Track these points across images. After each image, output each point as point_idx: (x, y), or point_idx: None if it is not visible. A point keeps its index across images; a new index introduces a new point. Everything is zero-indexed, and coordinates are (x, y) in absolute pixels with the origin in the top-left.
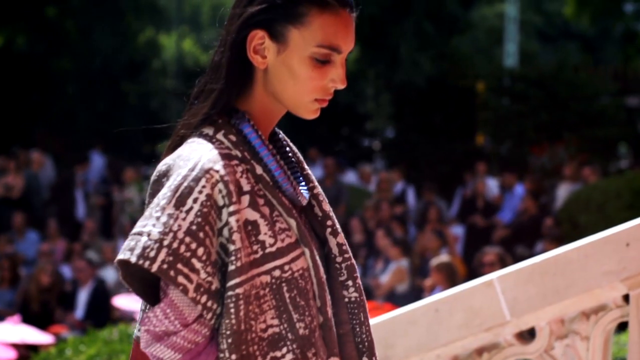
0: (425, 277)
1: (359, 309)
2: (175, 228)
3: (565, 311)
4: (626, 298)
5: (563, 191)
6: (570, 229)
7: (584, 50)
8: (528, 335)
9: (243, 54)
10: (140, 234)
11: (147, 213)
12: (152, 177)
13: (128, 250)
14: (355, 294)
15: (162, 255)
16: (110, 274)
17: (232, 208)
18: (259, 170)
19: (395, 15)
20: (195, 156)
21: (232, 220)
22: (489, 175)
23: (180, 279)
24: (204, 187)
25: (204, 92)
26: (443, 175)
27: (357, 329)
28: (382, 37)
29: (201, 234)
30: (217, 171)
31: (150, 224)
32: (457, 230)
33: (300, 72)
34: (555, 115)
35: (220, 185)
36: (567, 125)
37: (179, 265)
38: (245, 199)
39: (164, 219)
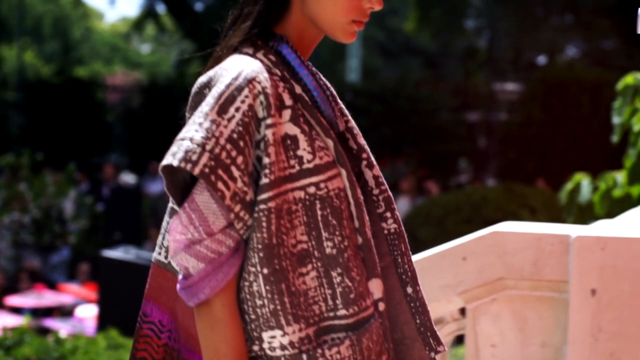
0: None
1: (400, 239)
2: (217, 134)
3: None
4: (463, 311)
5: (401, 205)
6: (411, 242)
7: (426, 65)
8: None
9: None
10: (183, 139)
11: (190, 120)
12: (193, 90)
13: (170, 155)
14: (394, 225)
15: (205, 159)
16: None
17: (269, 121)
18: (298, 90)
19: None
20: (238, 67)
21: (269, 133)
22: None
23: (220, 184)
24: (246, 96)
25: (242, 16)
26: None
27: (399, 260)
28: None
29: (241, 143)
30: (260, 82)
31: (192, 130)
32: None
33: None
34: (397, 130)
35: (262, 97)
36: (408, 139)
37: (220, 171)
38: (287, 113)
39: (206, 124)
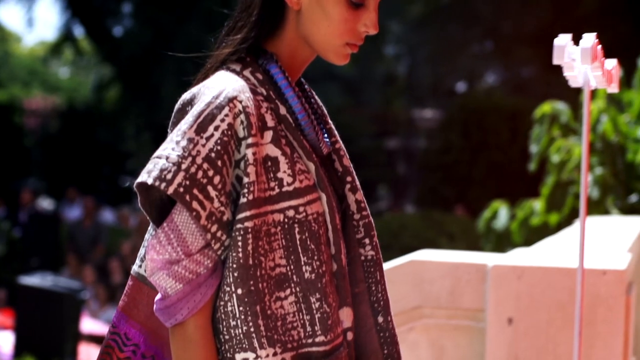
0: None
1: (375, 267)
2: (194, 153)
3: None
4: None
5: None
6: None
7: (345, 92)
8: None
9: None
10: (159, 157)
11: (168, 138)
12: (176, 106)
13: (146, 172)
14: (371, 252)
15: (179, 178)
16: None
17: (250, 140)
18: (282, 110)
19: (156, 55)
20: (220, 85)
21: (249, 152)
22: None
23: (195, 204)
24: (226, 115)
25: (235, 29)
26: None
27: (373, 288)
28: (143, 76)
29: (219, 162)
30: (241, 101)
31: (169, 148)
32: None
33: (334, 13)
34: None
35: (242, 117)
36: None
37: (195, 191)
38: (269, 135)
39: (183, 143)
